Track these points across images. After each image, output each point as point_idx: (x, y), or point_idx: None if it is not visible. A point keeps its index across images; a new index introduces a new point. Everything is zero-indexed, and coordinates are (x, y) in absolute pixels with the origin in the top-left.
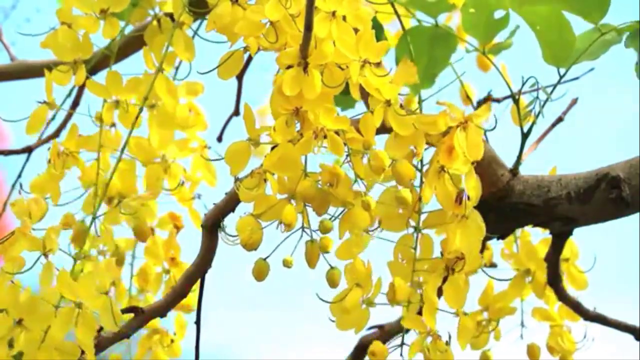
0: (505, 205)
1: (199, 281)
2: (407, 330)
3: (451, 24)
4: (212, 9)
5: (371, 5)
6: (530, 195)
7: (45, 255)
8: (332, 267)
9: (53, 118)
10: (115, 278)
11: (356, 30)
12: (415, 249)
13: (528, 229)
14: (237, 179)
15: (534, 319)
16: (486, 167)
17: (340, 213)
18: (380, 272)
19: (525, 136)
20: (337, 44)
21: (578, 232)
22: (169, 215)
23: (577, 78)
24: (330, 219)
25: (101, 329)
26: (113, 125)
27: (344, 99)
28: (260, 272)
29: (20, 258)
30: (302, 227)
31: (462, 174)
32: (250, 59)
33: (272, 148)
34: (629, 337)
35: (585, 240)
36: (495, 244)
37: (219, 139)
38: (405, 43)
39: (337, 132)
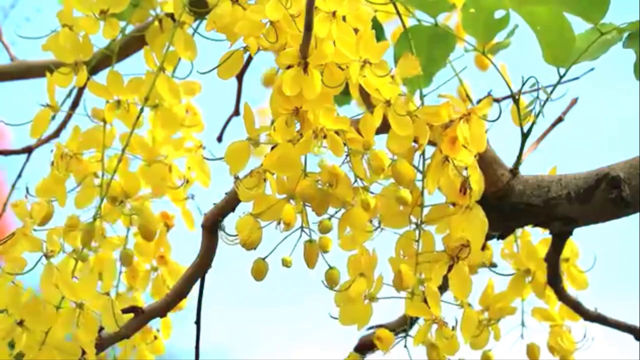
0: (505, 205)
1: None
2: (411, 325)
3: (450, 23)
4: (212, 8)
5: (371, 5)
6: (530, 195)
7: (47, 256)
8: (331, 267)
9: (53, 118)
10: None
11: (356, 30)
12: (417, 244)
13: (528, 229)
14: (237, 178)
15: (534, 319)
16: (486, 167)
17: (338, 212)
18: (381, 269)
19: (525, 136)
20: (337, 44)
21: (578, 232)
22: (161, 214)
23: (577, 78)
24: (329, 218)
25: (101, 329)
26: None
27: (343, 98)
28: (259, 271)
29: (22, 259)
30: (301, 227)
31: (466, 165)
32: (250, 59)
33: (272, 148)
34: (629, 337)
35: (585, 240)
36: (495, 244)
37: (219, 139)
38: (405, 42)
39: (337, 132)
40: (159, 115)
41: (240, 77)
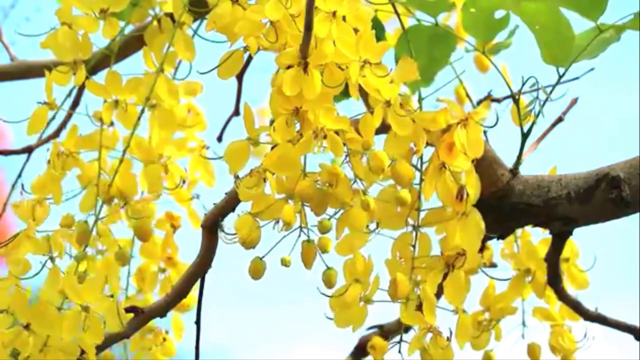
0: (505, 205)
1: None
2: (407, 330)
3: (449, 22)
4: (212, 8)
5: (371, 5)
6: (530, 195)
7: (52, 258)
8: (328, 268)
9: (53, 118)
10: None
11: (356, 30)
12: (414, 247)
13: (528, 229)
14: (237, 178)
15: (535, 319)
16: (486, 167)
17: (337, 213)
18: (377, 271)
19: (525, 136)
20: (337, 44)
21: (578, 232)
22: (167, 214)
23: (577, 78)
24: (328, 218)
25: None
26: (111, 124)
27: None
28: (257, 270)
29: (25, 261)
30: (300, 227)
31: (462, 171)
32: (250, 59)
33: (272, 148)
34: (629, 337)
35: (585, 240)
36: (495, 244)
37: (219, 139)
38: (405, 42)
39: (336, 132)
40: (156, 116)
41: (240, 77)
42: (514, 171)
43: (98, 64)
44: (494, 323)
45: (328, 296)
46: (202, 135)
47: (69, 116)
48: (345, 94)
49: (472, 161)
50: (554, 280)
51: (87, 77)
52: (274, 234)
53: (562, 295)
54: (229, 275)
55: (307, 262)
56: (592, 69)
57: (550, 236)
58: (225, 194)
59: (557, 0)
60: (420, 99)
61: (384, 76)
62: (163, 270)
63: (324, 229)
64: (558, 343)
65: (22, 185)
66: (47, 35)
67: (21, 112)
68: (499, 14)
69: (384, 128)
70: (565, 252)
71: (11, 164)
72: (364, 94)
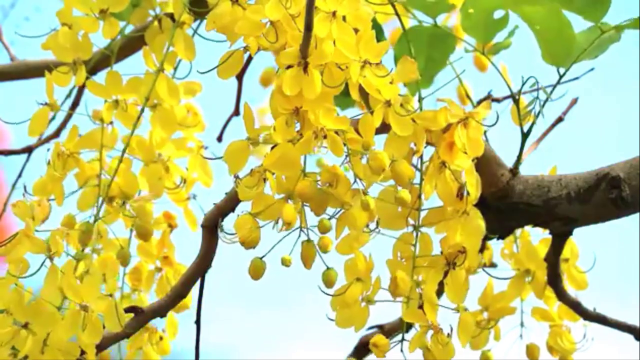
0: (505, 205)
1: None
2: (408, 329)
3: (449, 23)
4: (212, 8)
5: (371, 5)
6: (530, 195)
7: (51, 258)
8: (328, 268)
9: (53, 118)
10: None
11: (356, 31)
12: (414, 247)
13: (528, 229)
14: (237, 178)
15: (533, 319)
16: (486, 167)
17: (337, 213)
18: (378, 271)
19: (525, 136)
20: (337, 44)
21: (578, 232)
22: (164, 214)
23: (577, 78)
24: (328, 218)
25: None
26: (110, 123)
27: (344, 99)
28: (257, 270)
29: (24, 260)
30: (300, 227)
31: (463, 170)
32: (250, 59)
33: (272, 148)
34: (629, 337)
35: (585, 240)
36: (495, 244)
37: (219, 139)
38: (405, 43)
39: (336, 132)
40: (157, 116)
41: (240, 77)
42: (514, 171)
43: (98, 64)
44: (493, 323)
45: (329, 295)
46: (202, 135)
47: (68, 116)
48: (348, 95)
49: (473, 160)
50: (554, 280)
51: (87, 77)
52: (274, 234)
53: (562, 296)
54: (229, 275)
55: (307, 262)
56: (592, 69)
57: (550, 236)
58: (225, 194)
59: (559, 2)
60: (420, 99)
61: (384, 76)
62: (159, 270)
63: (324, 229)
64: (556, 343)
65: (25, 187)
66: (47, 36)
67: (21, 112)
68: (498, 14)
69: (384, 128)
70: (565, 253)
71: (11, 164)
72: (363, 94)
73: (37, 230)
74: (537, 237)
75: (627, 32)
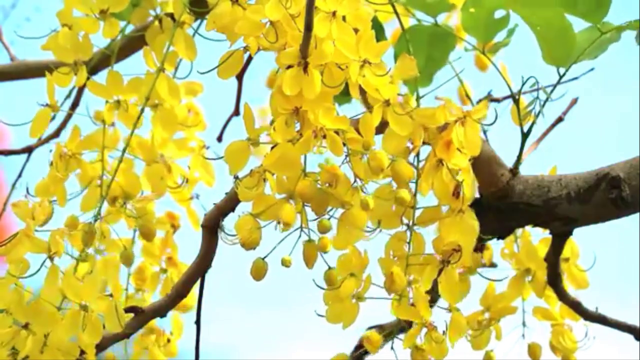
0: (505, 205)
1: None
2: (404, 329)
3: (450, 23)
4: (212, 8)
5: (371, 5)
6: (530, 195)
7: (51, 258)
8: (330, 268)
9: (53, 118)
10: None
11: (356, 30)
12: (408, 245)
13: (528, 228)
14: (236, 178)
15: (535, 319)
16: (486, 166)
17: (337, 212)
18: (370, 269)
19: (525, 136)
20: (337, 44)
21: (578, 232)
22: (167, 214)
23: (577, 78)
24: (329, 218)
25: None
26: (112, 124)
27: (341, 96)
28: (258, 271)
29: (25, 260)
30: (300, 227)
31: (460, 169)
32: (250, 59)
33: (272, 148)
34: (629, 337)
35: (585, 240)
36: (495, 244)
37: (219, 139)
38: (405, 42)
39: (336, 132)
40: (158, 116)
41: (240, 77)
42: (514, 171)
43: (99, 64)
44: (494, 323)
45: (323, 288)
46: (203, 135)
47: (68, 116)
48: (347, 93)
49: (470, 159)
50: (554, 280)
51: (88, 78)
52: (275, 235)
53: (562, 295)
54: (229, 276)
55: (309, 262)
56: (592, 69)
57: (550, 236)
58: (226, 194)
59: (560, 5)
60: (417, 98)
61: (384, 75)
62: (165, 271)
63: (324, 229)
64: (559, 343)
65: (27, 189)
66: (47, 37)
67: (21, 112)
68: (499, 13)
69: (383, 127)
70: (565, 252)
71: (11, 164)
72: (363, 94)
73: (38, 231)
74: (537, 237)
75: (627, 32)
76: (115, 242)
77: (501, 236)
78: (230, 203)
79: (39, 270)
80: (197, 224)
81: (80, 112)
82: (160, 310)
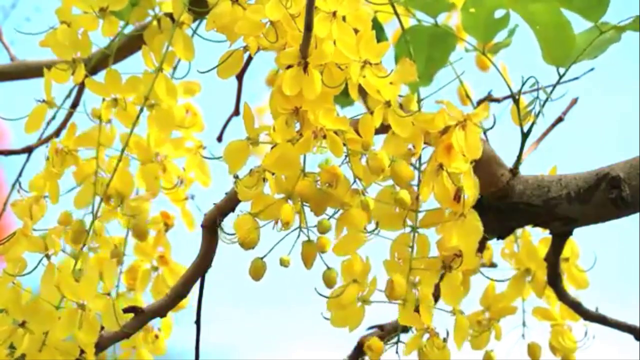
0: (505, 205)
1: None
2: (405, 330)
3: (450, 23)
4: (211, 8)
5: (371, 5)
6: (530, 195)
7: (48, 256)
8: (328, 268)
9: (53, 118)
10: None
11: (356, 31)
12: (412, 248)
13: (528, 228)
14: (236, 178)
15: (535, 319)
16: (486, 167)
17: (336, 213)
18: (375, 271)
19: (525, 136)
20: (337, 44)
21: (578, 232)
22: (161, 214)
23: (577, 78)
24: (328, 218)
25: (101, 328)
26: (109, 121)
27: (343, 98)
28: (257, 271)
29: (22, 259)
30: (299, 227)
31: (460, 172)
32: (250, 58)
33: (272, 147)
34: (629, 337)
35: (585, 240)
36: (495, 244)
37: (219, 139)
38: (405, 42)
39: (336, 132)
40: (155, 115)
41: (240, 77)
42: (514, 171)
43: (98, 63)
44: (494, 322)
45: (325, 297)
46: (202, 135)
47: (69, 115)
48: (347, 95)
49: (471, 163)
50: (554, 280)
51: (86, 75)
52: (275, 235)
53: (562, 295)
54: (229, 275)
55: (308, 262)
56: (592, 69)
57: (550, 236)
58: (225, 193)
59: (558, 1)
60: (419, 100)
61: (384, 77)
62: (156, 269)
63: (323, 229)
64: (558, 343)
65: (20, 183)
66: (46, 34)
67: (21, 112)
68: (499, 13)
69: (383, 128)
70: (565, 252)
71: (11, 164)
72: (363, 95)
73: (36, 230)
74: (537, 237)
75: (627, 32)
76: (108, 240)
77: (501, 236)
78: (230, 203)
79: (35, 268)
80: (191, 224)
81: (80, 111)
82: (160, 310)
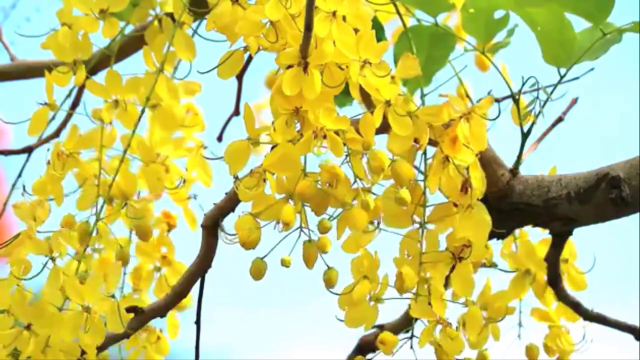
0: (505, 205)
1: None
2: (407, 329)
3: (450, 23)
4: (212, 8)
5: (371, 4)
6: (530, 195)
7: (53, 259)
8: (329, 268)
9: (53, 118)
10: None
11: (356, 30)
12: (421, 244)
13: (528, 228)
14: (236, 178)
15: (532, 319)
16: (486, 167)
17: (337, 213)
18: (385, 269)
19: (525, 136)
20: (337, 44)
21: (578, 232)
22: (164, 214)
23: (577, 78)
24: (328, 218)
25: None
26: (110, 123)
27: (342, 98)
28: (258, 271)
29: (27, 261)
30: (300, 227)
31: (466, 164)
32: (250, 59)
33: (272, 147)
34: (629, 337)
35: (585, 240)
36: (495, 244)
37: (219, 139)
38: (405, 41)
39: (336, 132)
40: (157, 116)
41: (240, 77)
42: (514, 171)
43: (98, 64)
44: (492, 322)
45: (336, 294)
46: (202, 135)
47: (69, 116)
48: (347, 94)
49: (477, 155)
50: (554, 280)
51: (87, 77)
52: (275, 235)
53: (562, 296)
54: (229, 275)
55: (309, 262)
56: (592, 69)
57: (550, 236)
58: (226, 194)
59: (562, 4)
60: (422, 96)
61: (384, 76)
62: (158, 269)
63: (324, 229)
64: (554, 343)
65: (24, 187)
66: (47, 36)
67: (21, 112)
68: (499, 13)
69: (384, 128)
70: (564, 254)
71: (11, 164)
72: (364, 94)
73: (38, 232)
74: (537, 237)
75: (627, 32)
76: (112, 241)
77: (501, 236)
78: (230, 203)
79: (41, 271)
80: (194, 223)
81: (80, 112)
82: (160, 310)
